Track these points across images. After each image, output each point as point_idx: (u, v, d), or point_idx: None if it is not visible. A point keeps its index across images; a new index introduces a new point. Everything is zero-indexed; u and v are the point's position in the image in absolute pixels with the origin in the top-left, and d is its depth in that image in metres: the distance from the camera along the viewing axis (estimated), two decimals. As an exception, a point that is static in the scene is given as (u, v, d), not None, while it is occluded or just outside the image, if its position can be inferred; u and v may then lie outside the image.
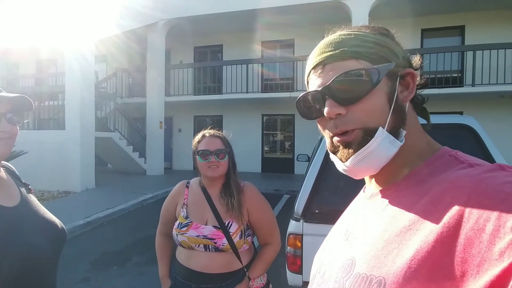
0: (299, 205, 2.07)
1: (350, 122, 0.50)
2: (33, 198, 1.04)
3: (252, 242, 1.48)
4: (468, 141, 2.04)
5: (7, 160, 1.10)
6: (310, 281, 0.61)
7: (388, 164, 0.52)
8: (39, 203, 1.05)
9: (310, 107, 0.55)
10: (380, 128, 0.49)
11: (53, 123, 8.65)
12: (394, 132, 0.50)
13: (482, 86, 8.32)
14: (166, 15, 9.91)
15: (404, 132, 0.51)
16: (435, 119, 2.46)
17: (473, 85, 8.42)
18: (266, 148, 11.41)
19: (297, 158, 5.58)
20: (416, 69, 0.56)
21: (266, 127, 11.42)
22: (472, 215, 0.37)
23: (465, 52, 8.80)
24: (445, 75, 9.07)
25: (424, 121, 0.61)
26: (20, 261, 0.83)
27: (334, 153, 0.54)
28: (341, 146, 0.52)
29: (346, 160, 0.51)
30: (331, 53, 0.52)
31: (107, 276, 3.51)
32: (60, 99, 8.35)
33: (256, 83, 10.19)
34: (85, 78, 7.76)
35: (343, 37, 0.53)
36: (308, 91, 0.55)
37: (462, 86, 8.79)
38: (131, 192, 7.34)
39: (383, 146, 0.49)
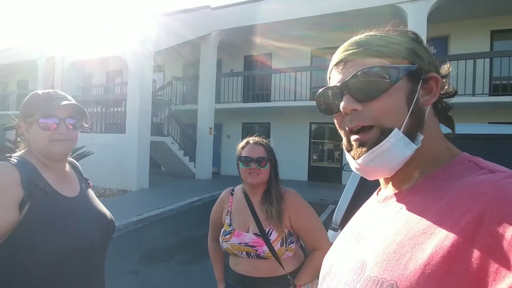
0: (338, 215, 2.00)
1: (366, 118, 0.50)
2: (90, 192, 1.18)
3: (300, 247, 1.46)
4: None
5: (78, 159, 1.27)
6: (319, 283, 0.60)
7: (404, 167, 0.51)
8: (95, 196, 1.19)
9: (330, 103, 0.56)
10: (396, 129, 0.48)
11: (116, 127, 9.56)
12: (411, 134, 0.49)
13: None
14: (218, 27, 10.41)
15: (421, 137, 0.50)
16: (502, 129, 2.17)
17: (555, 92, 7.34)
18: (313, 157, 11.21)
19: (343, 168, 5.38)
20: (443, 76, 0.54)
21: (313, 135, 11.24)
22: (491, 221, 0.36)
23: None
24: (520, 81, 8.04)
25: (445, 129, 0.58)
26: (77, 245, 0.95)
27: (349, 151, 0.54)
28: (355, 145, 0.52)
29: (358, 158, 0.51)
30: (354, 50, 0.53)
31: (153, 271, 3.73)
32: (123, 105, 9.23)
33: (304, 91, 10.12)
34: (143, 87, 8.48)
35: (368, 37, 0.54)
36: (328, 86, 0.56)
37: (542, 93, 7.71)
38: (180, 194, 7.74)
39: (397, 148, 0.48)
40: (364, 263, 0.47)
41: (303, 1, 9.02)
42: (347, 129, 0.53)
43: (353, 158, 0.52)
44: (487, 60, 8.16)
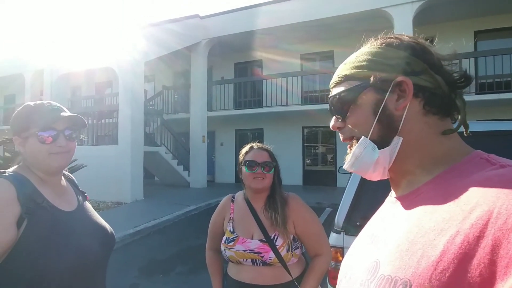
0: (340, 217, 2.00)
1: (346, 132, 0.60)
2: (88, 205, 1.16)
3: (302, 254, 1.45)
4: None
5: (71, 173, 1.24)
6: (337, 285, 0.61)
7: (408, 168, 0.54)
8: (93, 209, 1.17)
9: None
10: (363, 137, 0.55)
11: (108, 139, 9.44)
12: (383, 140, 0.54)
13: (551, 89, 7.46)
14: (207, 35, 10.45)
15: (400, 139, 0.53)
16: (492, 126, 2.23)
17: (539, 88, 7.57)
18: (307, 161, 11.25)
19: (338, 170, 5.42)
20: (439, 69, 0.53)
21: (307, 139, 11.30)
22: (501, 215, 0.36)
23: (526, 53, 7.98)
24: (505, 79, 8.28)
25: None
26: (74, 260, 0.92)
27: None
28: (348, 152, 0.61)
29: (345, 163, 0.60)
30: (334, 79, 0.62)
31: (153, 283, 3.67)
32: (114, 117, 9.12)
33: (296, 96, 10.19)
34: (135, 98, 8.42)
35: (350, 59, 0.61)
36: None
37: (526, 91, 7.94)
38: (175, 204, 7.66)
39: (366, 153, 0.55)
40: (378, 262, 0.48)
41: (291, 8, 9.13)
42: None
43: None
44: (472, 60, 8.39)
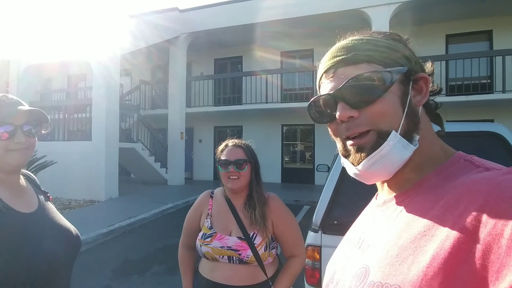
0: (317, 216, 2.02)
1: (363, 124, 0.49)
2: (50, 206, 1.08)
3: (277, 254, 1.45)
4: (497, 149, 1.93)
5: (39, 170, 1.16)
6: None
7: (401, 169, 0.50)
8: (56, 211, 1.09)
9: (322, 111, 0.55)
10: (393, 131, 0.48)
11: (81, 135, 9.06)
12: (408, 136, 0.49)
13: (514, 93, 7.92)
14: (187, 29, 10.24)
15: (417, 137, 0.50)
16: (461, 127, 2.33)
17: (503, 91, 8.02)
18: (286, 159, 11.34)
19: (317, 168, 5.49)
20: (429, 75, 0.55)
21: (286, 137, 11.38)
22: (490, 219, 0.36)
23: (493, 57, 8.43)
24: (473, 82, 8.70)
25: (438, 128, 0.59)
26: (34, 265, 0.86)
27: (346, 157, 0.53)
28: (353, 150, 0.51)
29: (358, 164, 0.50)
30: (343, 57, 0.52)
31: (128, 284, 3.55)
32: (88, 111, 8.75)
33: (276, 94, 10.22)
34: (110, 92, 8.11)
35: (355, 42, 0.53)
36: (319, 94, 0.55)
37: (492, 93, 8.39)
38: (152, 202, 7.48)
39: (396, 150, 0.48)
40: (367, 268, 0.47)
41: (272, 5, 9.12)
42: (343, 136, 0.53)
43: (352, 164, 0.51)
44: (443, 63, 8.76)
